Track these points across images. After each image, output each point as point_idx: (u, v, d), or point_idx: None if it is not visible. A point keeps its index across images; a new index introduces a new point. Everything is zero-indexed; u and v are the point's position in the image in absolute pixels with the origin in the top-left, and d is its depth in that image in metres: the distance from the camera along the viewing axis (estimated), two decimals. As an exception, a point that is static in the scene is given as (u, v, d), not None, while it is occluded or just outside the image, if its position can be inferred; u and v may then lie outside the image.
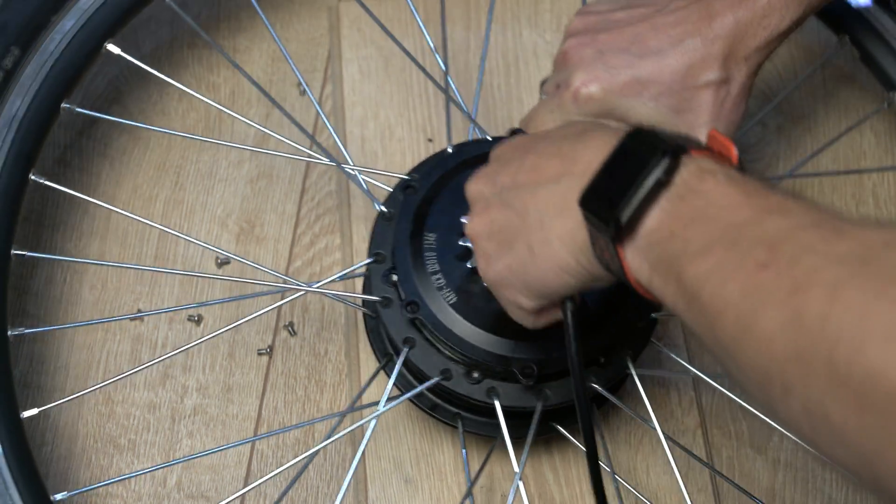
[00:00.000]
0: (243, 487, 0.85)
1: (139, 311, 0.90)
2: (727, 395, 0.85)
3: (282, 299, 0.86)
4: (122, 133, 0.97)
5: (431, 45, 0.90)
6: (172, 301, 0.91)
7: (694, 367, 0.83)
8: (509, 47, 1.01)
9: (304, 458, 0.78)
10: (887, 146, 1.01)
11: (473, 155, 0.81)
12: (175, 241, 0.93)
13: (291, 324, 0.91)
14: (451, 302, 0.76)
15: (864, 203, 1.00)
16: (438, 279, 0.76)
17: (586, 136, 0.61)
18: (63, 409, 0.86)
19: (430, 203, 0.79)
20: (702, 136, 0.74)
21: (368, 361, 0.88)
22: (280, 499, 0.80)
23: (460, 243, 0.76)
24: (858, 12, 0.91)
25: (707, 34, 0.75)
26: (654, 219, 0.55)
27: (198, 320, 0.90)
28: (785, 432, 0.86)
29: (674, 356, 0.84)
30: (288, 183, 0.97)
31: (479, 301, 0.75)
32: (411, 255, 0.77)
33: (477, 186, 0.68)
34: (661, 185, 0.54)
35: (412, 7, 0.91)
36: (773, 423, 0.84)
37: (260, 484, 0.82)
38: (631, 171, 0.55)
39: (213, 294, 0.91)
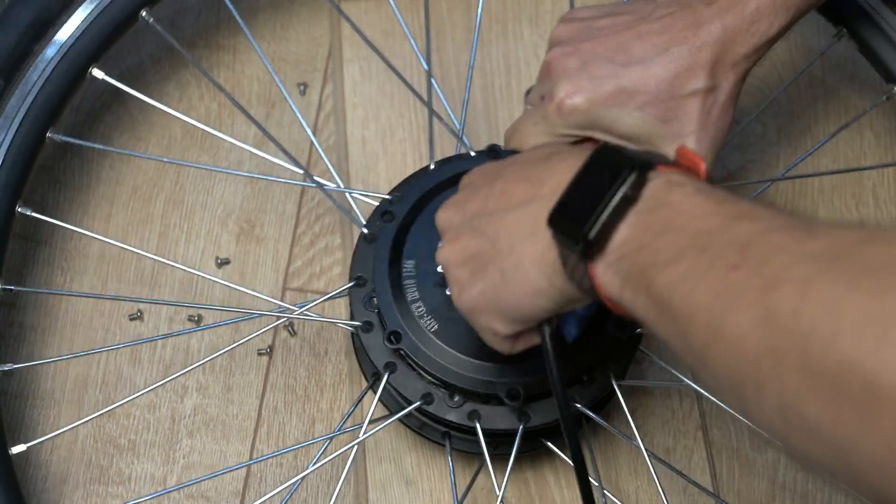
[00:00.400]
0: (243, 488, 0.85)
1: (139, 311, 0.90)
2: (716, 402, 0.85)
3: (274, 321, 0.87)
4: (122, 133, 0.97)
5: (420, 56, 0.90)
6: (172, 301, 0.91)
7: (686, 378, 0.83)
8: (510, 48, 1.01)
9: (295, 481, 0.79)
10: (887, 145, 1.01)
11: (455, 173, 0.79)
12: (175, 242, 0.93)
13: (291, 324, 0.91)
14: (433, 330, 0.75)
15: (864, 203, 0.99)
16: (419, 307, 0.76)
17: (554, 159, 0.62)
18: (63, 408, 0.86)
19: (407, 229, 0.79)
20: (690, 143, 0.74)
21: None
22: None
23: (438, 269, 0.74)
24: (857, 3, 0.90)
25: (694, 42, 0.73)
26: (622, 233, 0.55)
27: (198, 321, 0.90)
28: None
29: (665, 365, 0.84)
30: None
31: (461, 327, 0.74)
32: (391, 285, 0.76)
33: (447, 215, 0.68)
34: (629, 200, 0.55)
35: (399, 17, 0.90)
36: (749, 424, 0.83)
37: None
38: (598, 189, 0.56)
39: (213, 294, 0.91)
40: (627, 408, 0.79)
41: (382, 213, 0.80)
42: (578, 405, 0.77)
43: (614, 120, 0.74)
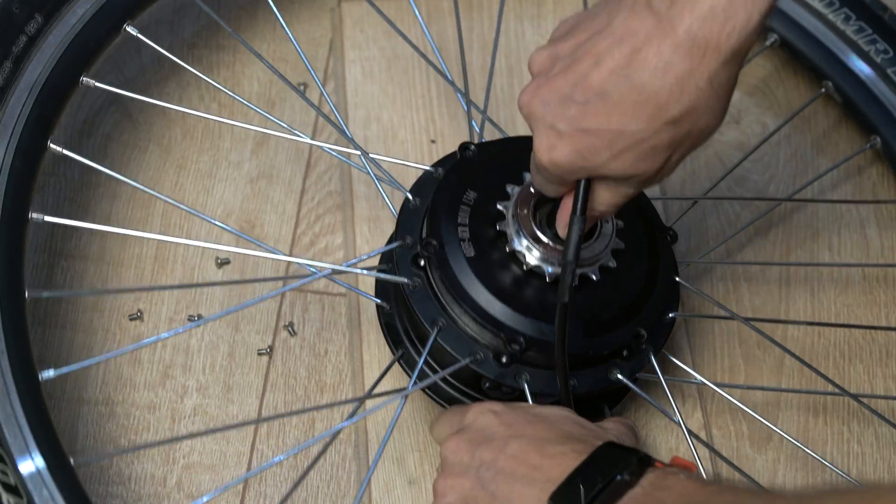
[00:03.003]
0: (243, 488, 0.85)
1: (139, 311, 0.90)
2: (727, 397, 0.85)
3: (295, 282, 0.87)
4: (122, 132, 0.97)
5: (433, 43, 0.90)
6: (172, 301, 0.91)
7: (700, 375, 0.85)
8: (512, 48, 1.01)
9: (326, 436, 0.79)
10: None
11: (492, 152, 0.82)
12: (175, 242, 0.93)
13: (291, 324, 0.91)
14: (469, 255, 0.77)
15: (864, 203, 1.00)
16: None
17: (569, 443, 0.68)
18: (63, 409, 0.86)
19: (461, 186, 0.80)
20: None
21: (372, 364, 0.88)
22: (284, 500, 0.80)
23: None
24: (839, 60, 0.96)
25: (658, 58, 0.62)
26: None
27: (198, 319, 0.90)
28: (784, 433, 0.86)
29: (678, 363, 0.85)
30: (288, 183, 0.97)
31: (517, 288, 0.76)
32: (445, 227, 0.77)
33: (458, 447, 0.71)
34: (627, 484, 0.63)
35: (414, 6, 0.91)
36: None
37: (268, 467, 0.82)
38: (599, 473, 0.64)
39: (213, 294, 0.91)
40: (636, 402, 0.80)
41: (463, 148, 0.82)
42: (620, 376, 0.79)
43: (597, 169, 0.67)
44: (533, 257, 0.76)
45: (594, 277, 0.77)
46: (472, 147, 0.81)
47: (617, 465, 0.64)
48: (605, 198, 0.69)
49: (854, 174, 1.01)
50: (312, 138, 0.97)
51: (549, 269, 0.76)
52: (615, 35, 0.63)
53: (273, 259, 0.91)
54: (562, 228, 0.73)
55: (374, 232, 0.93)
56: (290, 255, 0.93)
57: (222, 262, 0.93)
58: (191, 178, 0.96)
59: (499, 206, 0.77)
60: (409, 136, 0.98)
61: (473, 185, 0.79)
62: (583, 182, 0.68)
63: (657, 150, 0.65)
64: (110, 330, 0.89)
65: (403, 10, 1.00)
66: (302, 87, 1.00)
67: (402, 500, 0.84)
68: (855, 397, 0.87)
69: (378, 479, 0.84)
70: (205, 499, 0.79)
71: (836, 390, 0.87)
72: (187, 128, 0.98)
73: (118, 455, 0.84)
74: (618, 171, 0.66)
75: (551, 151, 0.67)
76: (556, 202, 0.74)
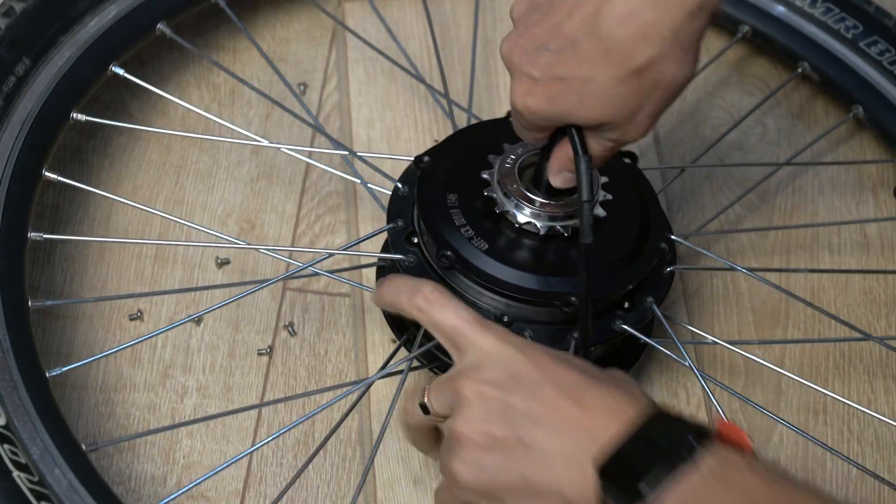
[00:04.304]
0: (243, 488, 0.85)
1: (139, 311, 0.90)
2: (728, 396, 0.85)
3: (289, 277, 0.87)
4: (122, 133, 0.97)
5: (435, 42, 0.90)
6: (172, 301, 0.91)
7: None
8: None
9: (333, 403, 0.79)
10: (886, 146, 1.01)
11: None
12: (175, 241, 0.93)
13: (291, 324, 0.91)
14: (484, 248, 0.77)
15: (864, 203, 1.00)
16: (467, 230, 0.78)
17: (605, 391, 0.63)
18: (63, 409, 0.86)
19: (447, 169, 0.81)
20: (647, 121, 0.68)
21: (377, 362, 0.88)
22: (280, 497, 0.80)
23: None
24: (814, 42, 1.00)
25: (630, 1, 0.63)
26: (674, 498, 0.57)
27: (198, 320, 0.90)
28: (784, 432, 0.86)
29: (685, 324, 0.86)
30: (288, 183, 0.97)
31: (511, 244, 0.77)
32: (437, 212, 0.79)
33: (479, 388, 0.65)
34: (685, 470, 0.57)
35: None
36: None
37: (275, 437, 0.83)
38: (656, 450, 0.58)
39: (213, 294, 0.91)
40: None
41: (418, 162, 0.82)
42: (624, 325, 0.79)
43: (569, 114, 0.68)
44: (536, 219, 0.77)
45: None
46: (426, 158, 0.82)
47: (674, 442, 0.58)
48: (592, 146, 0.70)
49: (842, 142, 1.03)
50: (311, 142, 0.98)
51: (540, 224, 0.77)
52: None
53: (274, 257, 0.91)
54: (552, 177, 0.75)
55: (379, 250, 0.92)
56: (290, 255, 0.93)
57: (222, 262, 0.93)
58: (191, 178, 0.96)
59: (491, 195, 0.78)
60: (413, 135, 0.98)
61: (449, 188, 0.80)
62: (572, 129, 0.69)
63: (625, 97, 0.66)
64: (110, 330, 0.89)
65: (405, 9, 1.00)
66: (302, 88, 1.00)
67: (406, 500, 0.84)
68: (881, 340, 0.90)
69: (382, 478, 0.84)
70: (210, 474, 0.78)
71: (859, 335, 0.90)
72: (187, 128, 0.98)
73: (129, 440, 0.84)
74: (587, 116, 0.68)
75: (525, 97, 0.69)
76: (539, 167, 0.76)
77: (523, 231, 0.78)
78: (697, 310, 0.93)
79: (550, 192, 0.77)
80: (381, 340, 0.88)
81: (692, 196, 0.98)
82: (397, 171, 0.86)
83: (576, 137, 0.70)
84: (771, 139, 1.02)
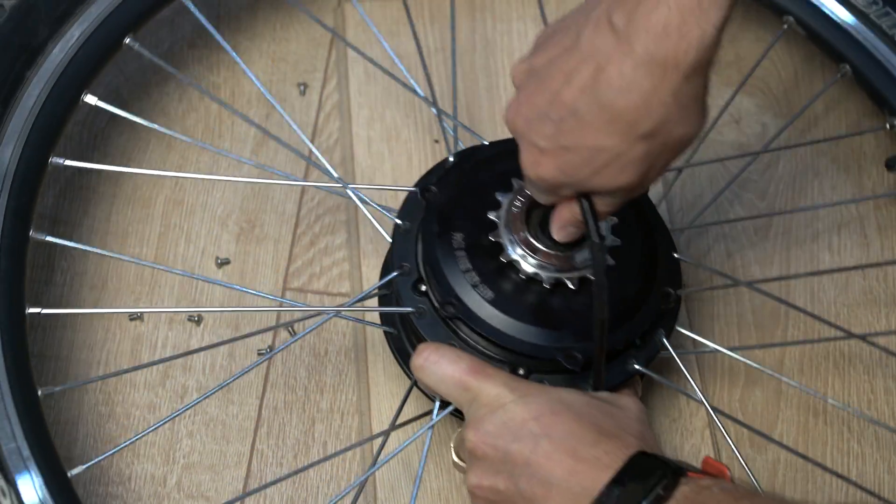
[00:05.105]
0: (243, 488, 0.85)
1: (139, 311, 0.90)
2: (741, 360, 0.86)
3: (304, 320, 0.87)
4: (121, 133, 0.97)
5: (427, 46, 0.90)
6: (172, 301, 0.91)
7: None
8: (515, 46, 1.01)
9: (356, 483, 0.78)
10: (887, 146, 1.01)
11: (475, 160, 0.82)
12: (175, 241, 0.93)
13: (291, 324, 0.91)
14: (489, 298, 0.76)
15: (864, 202, 1.00)
16: (472, 276, 0.77)
17: (597, 443, 0.67)
18: (63, 409, 0.86)
19: (451, 206, 0.79)
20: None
21: (379, 392, 0.88)
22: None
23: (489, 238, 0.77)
24: None
25: (625, 70, 0.61)
26: None
27: (198, 321, 0.90)
28: (785, 432, 0.86)
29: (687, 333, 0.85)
30: (288, 183, 0.97)
31: (516, 295, 0.76)
32: (441, 257, 0.77)
33: (483, 440, 0.69)
34: (661, 499, 0.63)
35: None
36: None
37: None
38: (632, 492, 0.64)
39: (213, 295, 0.91)
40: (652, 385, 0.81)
41: (423, 191, 0.81)
42: (637, 366, 0.79)
43: (581, 183, 0.67)
44: (542, 270, 0.76)
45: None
46: (433, 188, 0.81)
47: (651, 478, 0.64)
48: (599, 207, 0.70)
49: (833, 109, 1.03)
50: (312, 140, 0.98)
51: (545, 276, 0.76)
52: (582, 52, 0.63)
53: (267, 311, 0.91)
54: (556, 232, 0.74)
55: (380, 250, 0.92)
56: (290, 251, 0.93)
57: (222, 263, 0.93)
58: (191, 178, 0.96)
59: (497, 240, 0.77)
60: (413, 135, 0.98)
61: (454, 228, 0.78)
62: (585, 204, 0.68)
63: (636, 162, 0.65)
64: (110, 330, 0.89)
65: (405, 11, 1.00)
66: (302, 88, 1.00)
67: (407, 500, 0.84)
68: (862, 337, 0.89)
69: (383, 480, 0.84)
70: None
71: (843, 334, 0.90)
72: (187, 127, 0.98)
73: (115, 453, 0.84)
74: (601, 185, 0.67)
75: (536, 167, 0.68)
76: (544, 219, 0.75)
77: (529, 280, 0.76)
78: (697, 310, 0.93)
79: (556, 244, 0.75)
80: (384, 370, 0.88)
81: (692, 196, 0.98)
82: (398, 171, 0.86)
83: (588, 219, 0.69)
84: (770, 138, 1.02)
